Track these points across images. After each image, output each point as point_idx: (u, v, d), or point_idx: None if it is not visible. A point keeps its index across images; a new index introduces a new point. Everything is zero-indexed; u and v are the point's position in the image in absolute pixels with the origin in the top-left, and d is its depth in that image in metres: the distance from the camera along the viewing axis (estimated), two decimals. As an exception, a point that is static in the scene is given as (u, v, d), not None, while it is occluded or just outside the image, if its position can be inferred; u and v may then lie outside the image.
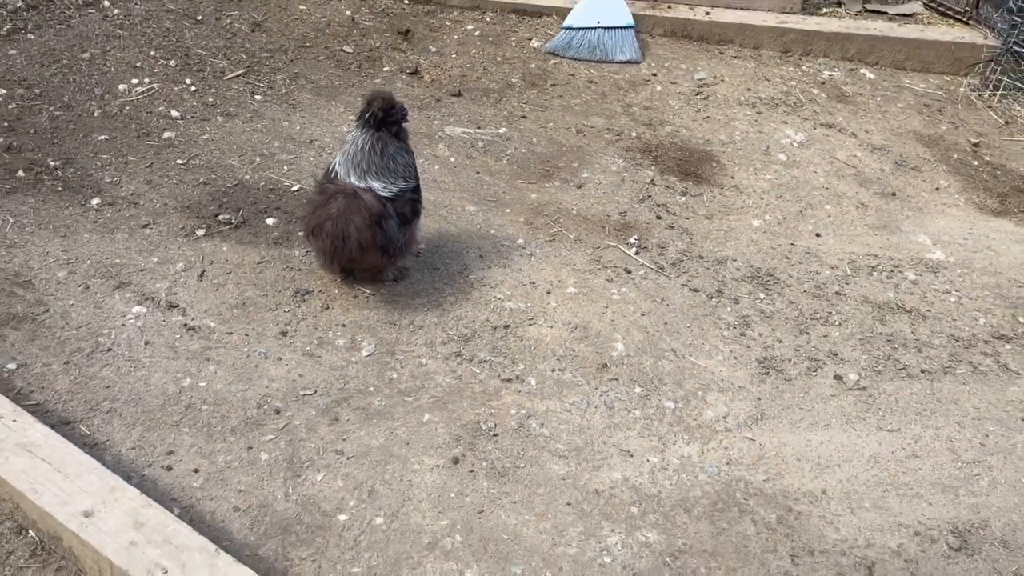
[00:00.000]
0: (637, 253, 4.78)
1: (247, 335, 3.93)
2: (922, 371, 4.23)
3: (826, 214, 5.37)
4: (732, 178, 5.58)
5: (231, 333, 3.93)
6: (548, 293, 4.41)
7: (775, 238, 5.11)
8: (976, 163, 6.03)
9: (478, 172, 5.32)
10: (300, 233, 4.30)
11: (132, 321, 3.90)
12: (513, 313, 4.25)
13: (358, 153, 3.99)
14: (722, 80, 6.56)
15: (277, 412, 3.59)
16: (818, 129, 6.15)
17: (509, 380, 3.88)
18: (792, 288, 4.71)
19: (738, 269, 4.80)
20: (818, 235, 5.18)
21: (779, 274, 4.80)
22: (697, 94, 6.38)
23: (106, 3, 6.48)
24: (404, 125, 4.20)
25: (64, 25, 6.21)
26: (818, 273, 4.86)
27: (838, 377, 4.13)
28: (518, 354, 4.03)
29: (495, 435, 3.60)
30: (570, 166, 5.47)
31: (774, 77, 6.68)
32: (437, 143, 5.54)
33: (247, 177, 4.98)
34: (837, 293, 4.71)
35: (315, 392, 3.71)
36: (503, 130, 5.73)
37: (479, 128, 5.73)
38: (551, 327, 4.20)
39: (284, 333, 3.98)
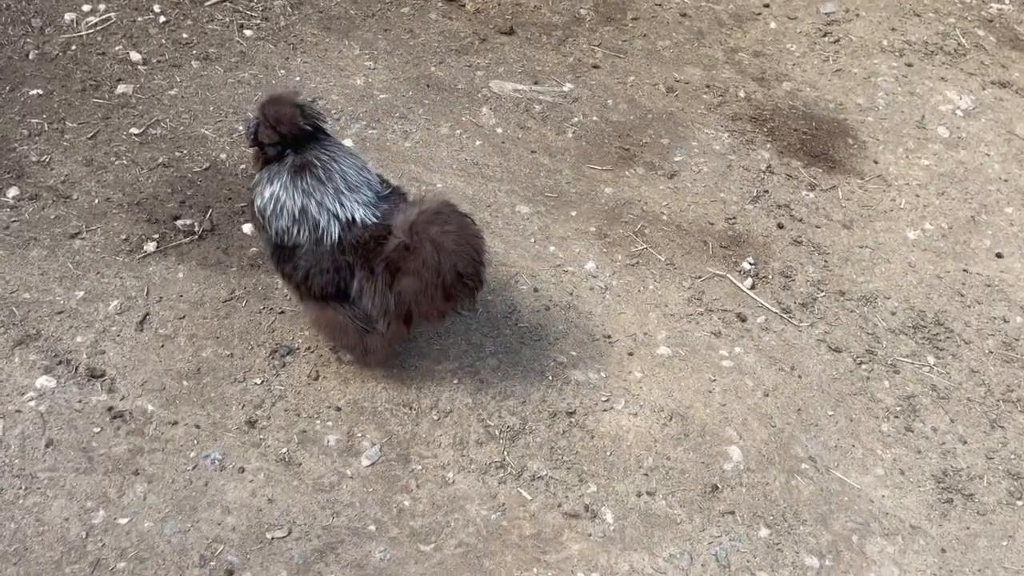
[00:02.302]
0: (754, 287, 3.43)
1: (198, 427, 2.72)
2: None
3: (1007, 221, 3.94)
4: (876, 163, 4.13)
5: (176, 423, 2.72)
6: (630, 355, 3.11)
7: (940, 260, 3.71)
8: None
9: (534, 151, 3.94)
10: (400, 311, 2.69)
11: (33, 403, 2.70)
12: (580, 389, 2.98)
13: (348, 170, 2.67)
14: (857, 15, 4.98)
15: (230, 573, 2.40)
16: (988, 90, 4.61)
17: (575, 515, 2.64)
18: (972, 346, 3.36)
19: (893, 313, 3.44)
20: (999, 255, 3.77)
21: (951, 321, 3.44)
22: (824, 35, 4.83)
23: None
24: None
25: (6, -74, 4.79)
26: (1006, 320, 3.48)
27: (1055, 510, 2.84)
28: (588, 464, 2.77)
29: (553, 622, 2.40)
30: (658, 143, 4.06)
31: (926, 12, 5.07)
32: (480, 105, 4.14)
33: (223, 156, 3.67)
34: (1037, 357, 3.35)
35: (289, 533, 2.51)
36: (568, 87, 4.30)
37: (536, 83, 4.30)
38: (635, 415, 2.92)
39: (252, 422, 2.76)
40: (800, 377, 3.13)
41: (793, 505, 2.75)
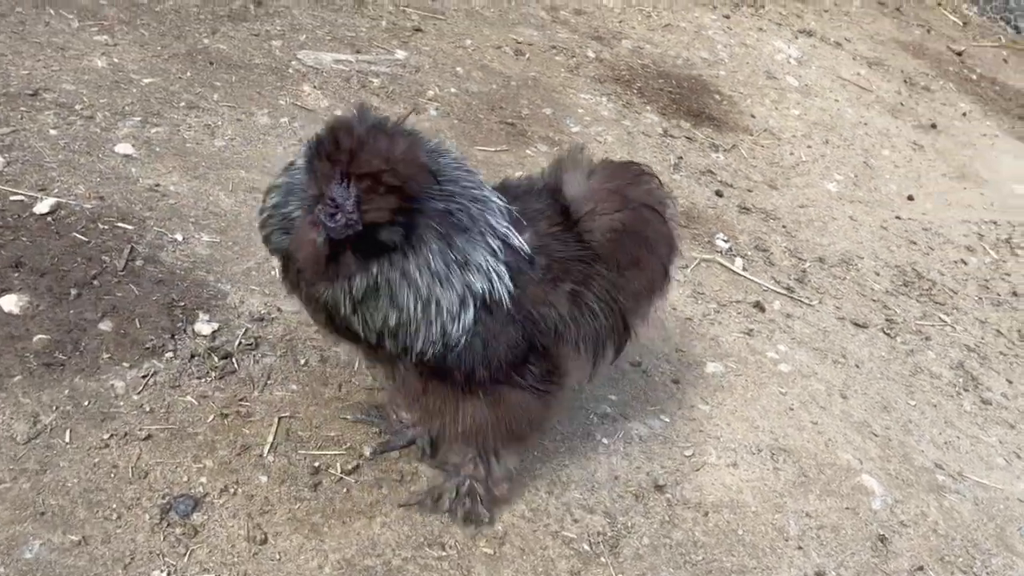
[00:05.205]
0: (745, 269, 2.72)
1: None
2: None
3: (892, 163, 3.71)
4: (753, 116, 3.68)
5: None
6: (676, 383, 2.22)
7: (871, 210, 3.34)
8: (974, 77, 4.73)
9: (400, 136, 2.82)
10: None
11: None
12: (651, 447, 2.02)
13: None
14: (652, -31, 4.53)
15: None
16: (800, 39, 4.44)
17: (765, 643, 1.70)
18: (959, 295, 2.99)
19: (877, 274, 2.96)
20: (910, 198, 3.52)
21: (927, 272, 3.06)
22: (633, -10, 4.30)
23: None
24: None
25: None
26: (964, 262, 3.19)
27: None
28: (726, 556, 1.84)
29: None
30: (541, 113, 3.19)
31: (711, -34, 4.79)
32: (298, 83, 2.94)
33: (-92, 190, 2.07)
34: (1015, 293, 3.08)
35: None
36: (401, 54, 3.25)
37: (359, 52, 3.19)
38: (734, 466, 2.04)
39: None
40: (858, 368, 2.48)
41: (966, 534, 2.07)
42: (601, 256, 1.64)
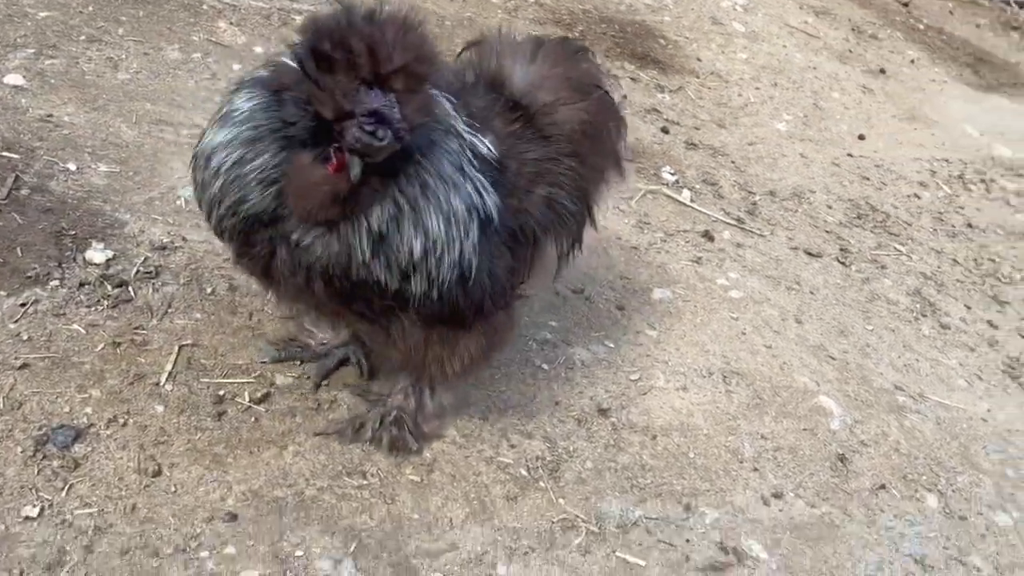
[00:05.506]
0: (693, 200, 2.59)
1: None
2: None
3: (841, 106, 3.61)
4: (699, 60, 3.56)
5: None
6: (620, 309, 2.08)
7: (822, 148, 3.24)
8: (921, 27, 4.67)
9: (324, 72, 2.64)
10: None
11: None
12: (595, 372, 1.88)
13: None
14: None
15: None
16: (745, -13, 4.32)
17: (717, 567, 1.56)
18: (913, 226, 2.90)
19: (830, 207, 2.85)
20: (861, 137, 3.42)
21: (881, 205, 2.96)
22: (573, -61, 4.15)
23: None
24: None
25: None
26: (918, 196, 3.10)
27: (1116, 376, 2.41)
28: (676, 479, 1.70)
29: None
30: (476, 52, 3.02)
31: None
32: (212, 20, 2.75)
33: None
34: (969, 225, 2.99)
35: None
36: (326, -7, 3.06)
37: (280, -10, 2.99)
38: (684, 389, 1.90)
39: (55, 606, 1.21)
40: (812, 295, 2.36)
41: (929, 452, 1.96)
42: (568, 150, 1.50)
